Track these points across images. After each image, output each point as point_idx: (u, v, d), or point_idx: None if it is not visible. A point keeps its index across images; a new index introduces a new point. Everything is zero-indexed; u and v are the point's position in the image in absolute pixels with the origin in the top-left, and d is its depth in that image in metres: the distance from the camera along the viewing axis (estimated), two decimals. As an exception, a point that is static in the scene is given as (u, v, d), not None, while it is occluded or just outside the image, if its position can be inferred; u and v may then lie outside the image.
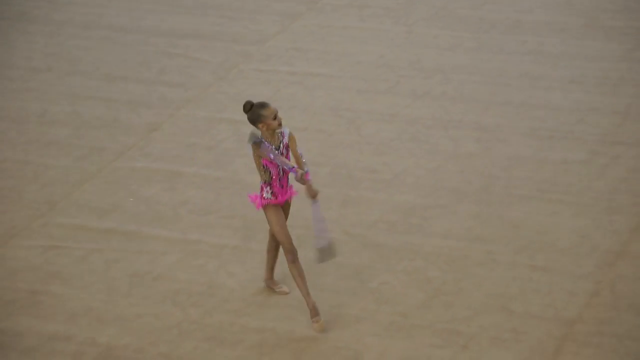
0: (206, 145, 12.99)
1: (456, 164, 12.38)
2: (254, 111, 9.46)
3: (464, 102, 13.76)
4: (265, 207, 9.69)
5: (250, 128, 9.66)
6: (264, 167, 9.57)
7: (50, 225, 11.60)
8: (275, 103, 13.68)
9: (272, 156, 9.44)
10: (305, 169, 9.63)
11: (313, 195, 9.55)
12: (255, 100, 9.62)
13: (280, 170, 9.58)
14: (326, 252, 9.74)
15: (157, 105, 14.00)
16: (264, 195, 9.67)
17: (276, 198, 9.68)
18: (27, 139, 13.35)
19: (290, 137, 9.70)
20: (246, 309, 10.14)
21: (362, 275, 10.50)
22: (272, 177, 9.61)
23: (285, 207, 9.87)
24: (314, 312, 9.71)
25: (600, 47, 14.68)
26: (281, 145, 9.61)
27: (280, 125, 9.52)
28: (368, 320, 9.84)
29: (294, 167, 9.46)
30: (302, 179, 9.43)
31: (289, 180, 9.73)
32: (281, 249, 10.00)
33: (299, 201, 10.28)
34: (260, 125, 9.47)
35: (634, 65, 14.27)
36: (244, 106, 9.47)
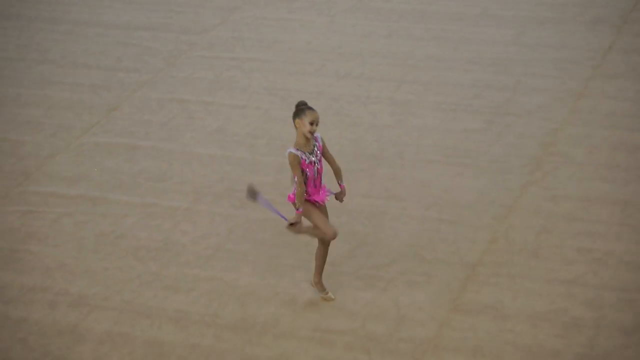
0: (159, 122, 12.87)
1: (374, 134, 12.38)
2: (301, 108, 8.76)
3: (379, 81, 13.76)
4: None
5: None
6: (302, 169, 8.80)
7: (27, 193, 11.45)
8: (217, 85, 13.62)
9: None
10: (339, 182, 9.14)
11: (296, 228, 8.93)
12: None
13: (315, 171, 8.85)
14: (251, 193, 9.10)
15: (116, 88, 13.83)
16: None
17: (309, 196, 8.94)
18: (4, 119, 13.14)
19: (324, 142, 9.00)
20: (197, 261, 10.10)
21: (296, 230, 10.49)
22: (307, 178, 8.86)
23: (322, 209, 9.11)
24: (321, 288, 9.31)
25: (493, 33, 14.73)
26: (315, 149, 8.86)
27: (311, 133, 8.74)
28: (302, 269, 9.84)
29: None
30: (294, 221, 8.86)
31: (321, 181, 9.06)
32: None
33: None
34: (297, 121, 8.73)
35: (521, 48, 14.34)
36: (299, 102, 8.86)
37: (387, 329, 8.89)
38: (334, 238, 8.98)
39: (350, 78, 13.93)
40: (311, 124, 8.68)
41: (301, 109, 8.74)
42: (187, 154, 12.14)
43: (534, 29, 14.73)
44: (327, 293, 9.31)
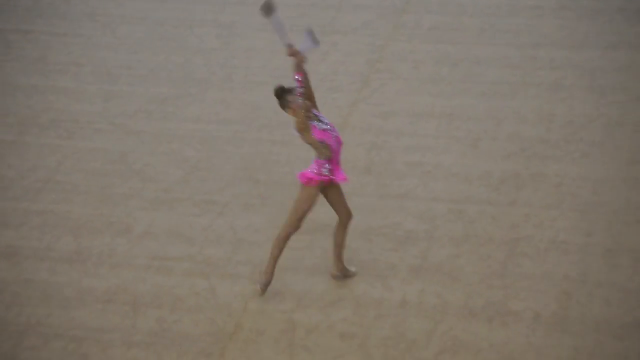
0: (-23, 53, 12.40)
1: (202, 58, 12.22)
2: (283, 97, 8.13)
3: (203, 3, 13.54)
4: (316, 184, 8.06)
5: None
6: (320, 142, 8.00)
7: None
8: (35, 12, 13.12)
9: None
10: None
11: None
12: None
13: (336, 144, 8.01)
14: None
15: None
16: (322, 171, 8.05)
17: (332, 174, 8.04)
18: None
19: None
20: (26, 195, 9.80)
21: (127, 158, 10.30)
22: (332, 152, 8.00)
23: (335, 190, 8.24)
24: (346, 271, 8.51)
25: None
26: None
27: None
28: (136, 197, 9.69)
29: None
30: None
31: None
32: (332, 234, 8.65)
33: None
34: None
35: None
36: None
37: (224, 252, 8.87)
38: (295, 229, 8.18)
39: (173, 1, 13.66)
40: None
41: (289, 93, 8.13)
42: (7, 84, 11.71)
43: (355, -54, 14.73)
44: (353, 270, 8.55)
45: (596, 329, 7.78)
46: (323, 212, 9.30)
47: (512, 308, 8.04)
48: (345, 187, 9.63)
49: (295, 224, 8.10)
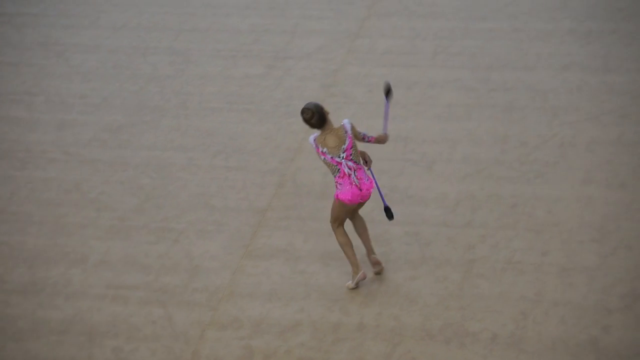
0: None
1: (156, 85, 12.22)
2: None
3: (157, 31, 13.56)
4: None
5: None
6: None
7: None
8: None
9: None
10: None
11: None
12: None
13: (345, 167, 8.25)
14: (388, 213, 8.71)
15: None
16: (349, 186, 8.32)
17: (359, 189, 8.32)
18: None
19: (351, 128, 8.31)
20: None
21: (81, 187, 10.26)
22: (340, 172, 8.30)
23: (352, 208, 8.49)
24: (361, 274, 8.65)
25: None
26: (344, 145, 8.25)
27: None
28: (91, 226, 9.65)
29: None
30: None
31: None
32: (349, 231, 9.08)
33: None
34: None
35: (298, -9, 14.46)
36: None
37: (181, 280, 8.85)
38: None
39: (126, 29, 13.66)
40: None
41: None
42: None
43: (308, -28, 14.83)
44: (376, 262, 8.73)
45: (552, 347, 7.83)
46: (278, 237, 9.31)
47: (470, 329, 8.08)
48: (301, 212, 9.67)
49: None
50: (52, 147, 10.93)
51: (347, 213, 8.45)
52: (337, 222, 8.51)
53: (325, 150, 8.22)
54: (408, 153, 10.56)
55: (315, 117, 8.17)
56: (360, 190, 8.30)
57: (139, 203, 9.96)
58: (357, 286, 8.58)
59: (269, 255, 9.07)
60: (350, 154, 8.22)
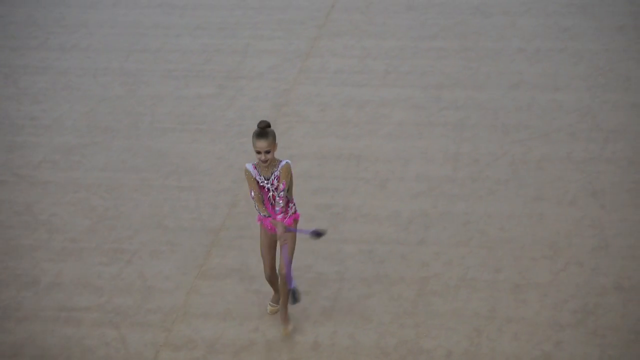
0: None
1: (107, 106, 12.18)
2: (254, 133, 7.80)
3: (108, 52, 13.53)
4: (260, 224, 8.16)
5: None
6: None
7: None
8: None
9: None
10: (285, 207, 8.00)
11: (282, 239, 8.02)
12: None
13: (270, 198, 7.95)
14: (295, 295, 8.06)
15: None
16: (259, 211, 8.00)
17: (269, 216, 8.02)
18: None
19: (284, 170, 7.90)
20: None
21: (32, 209, 10.19)
22: (263, 200, 8.01)
23: (271, 238, 8.17)
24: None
25: (220, -2, 14.80)
26: (272, 176, 7.90)
27: (263, 162, 7.82)
28: (42, 249, 9.58)
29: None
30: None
31: (290, 206, 8.09)
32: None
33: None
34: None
35: (247, 11, 14.48)
36: (262, 122, 7.79)
37: (134, 301, 8.80)
38: (267, 277, 8.29)
39: (76, 50, 13.61)
40: (258, 152, 7.75)
41: (253, 134, 7.79)
42: None
43: (259, -8, 14.88)
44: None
45: (507, 363, 7.90)
46: (232, 257, 9.31)
47: (424, 346, 8.12)
48: (255, 231, 9.66)
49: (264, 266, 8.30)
50: (2, 169, 10.85)
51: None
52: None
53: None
54: (361, 172, 10.61)
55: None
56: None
57: (91, 224, 9.91)
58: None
59: (223, 275, 9.06)
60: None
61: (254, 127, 11.50)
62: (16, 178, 10.73)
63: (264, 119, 11.69)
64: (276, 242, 8.22)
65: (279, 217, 7.93)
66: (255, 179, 7.94)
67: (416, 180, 10.39)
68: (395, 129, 11.42)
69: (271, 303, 8.60)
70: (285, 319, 8.31)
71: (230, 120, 11.75)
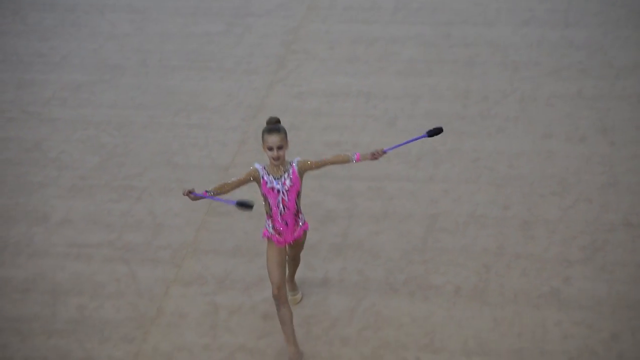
0: None
1: (115, 44, 12.13)
2: (263, 129, 7.12)
3: (115, -12, 13.47)
4: (267, 239, 7.37)
5: None
6: (262, 195, 7.25)
7: None
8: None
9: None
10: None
11: None
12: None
13: (279, 202, 7.18)
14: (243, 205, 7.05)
15: None
16: (267, 227, 7.33)
17: (279, 236, 7.29)
18: None
19: (301, 163, 7.19)
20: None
21: (42, 146, 10.20)
22: (271, 208, 7.26)
23: (280, 251, 7.35)
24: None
25: None
26: (284, 176, 7.16)
27: (275, 159, 7.09)
28: (52, 185, 9.60)
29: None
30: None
31: (300, 216, 7.38)
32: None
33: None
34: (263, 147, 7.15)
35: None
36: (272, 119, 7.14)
37: (144, 238, 8.84)
38: (275, 293, 7.28)
39: (85, -13, 13.54)
40: (270, 149, 7.07)
41: (263, 131, 7.13)
42: None
43: None
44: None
45: (515, 299, 7.92)
46: (241, 194, 9.32)
47: (433, 282, 8.15)
48: (264, 169, 9.65)
49: (272, 288, 7.32)
50: (10, 106, 10.84)
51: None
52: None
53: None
54: (370, 109, 10.58)
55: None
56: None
57: (101, 161, 9.93)
58: None
59: (233, 212, 9.08)
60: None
61: (262, 65, 11.46)
62: (25, 115, 10.73)
63: (273, 56, 11.64)
64: (286, 259, 7.49)
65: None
66: (262, 179, 7.19)
67: (425, 118, 10.36)
68: (404, 66, 11.37)
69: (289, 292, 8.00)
70: (294, 287, 8.04)
71: (238, 57, 11.70)
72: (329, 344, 7.58)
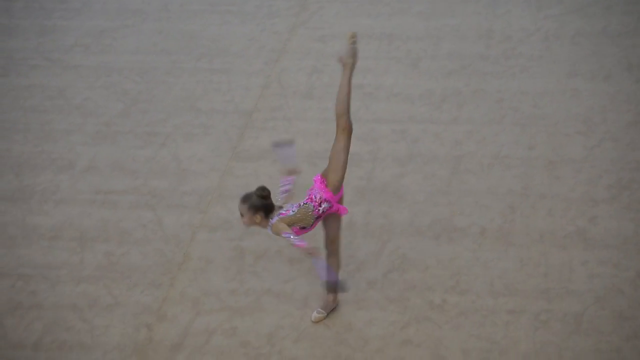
0: None
1: (135, -11, 12.08)
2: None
3: None
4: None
5: None
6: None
7: None
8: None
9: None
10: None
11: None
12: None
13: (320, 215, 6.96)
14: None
15: None
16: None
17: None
18: None
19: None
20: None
21: (65, 93, 10.18)
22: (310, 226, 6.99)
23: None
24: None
25: None
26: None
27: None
28: (77, 133, 9.60)
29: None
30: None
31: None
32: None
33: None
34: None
35: None
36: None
37: (169, 184, 8.84)
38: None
39: None
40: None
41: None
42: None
43: None
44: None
45: (540, 240, 7.89)
46: (265, 138, 9.28)
47: (458, 224, 8.12)
48: (287, 112, 9.61)
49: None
50: (33, 53, 10.82)
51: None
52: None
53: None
54: (392, 51, 10.49)
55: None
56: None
57: (125, 108, 9.91)
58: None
59: (257, 157, 9.05)
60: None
61: (284, 8, 11.35)
62: (48, 62, 10.70)
63: (295, -2, 11.53)
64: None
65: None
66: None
67: (448, 59, 10.26)
68: (427, 7, 11.24)
69: (319, 310, 7.41)
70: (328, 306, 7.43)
71: (260, 0, 11.60)
72: (356, 287, 7.58)
